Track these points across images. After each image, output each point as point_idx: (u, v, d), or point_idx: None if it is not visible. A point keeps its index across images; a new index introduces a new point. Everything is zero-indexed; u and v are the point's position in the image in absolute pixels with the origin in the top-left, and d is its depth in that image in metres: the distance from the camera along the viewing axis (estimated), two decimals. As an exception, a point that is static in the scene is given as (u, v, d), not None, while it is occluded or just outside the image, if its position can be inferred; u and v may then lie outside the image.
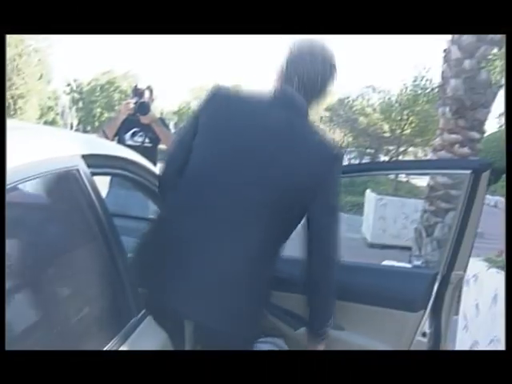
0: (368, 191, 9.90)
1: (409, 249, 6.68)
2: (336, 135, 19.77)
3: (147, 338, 1.61)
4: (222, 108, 1.73)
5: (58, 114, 29.71)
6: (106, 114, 31.60)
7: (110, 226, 1.51)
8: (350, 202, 12.09)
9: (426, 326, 2.05)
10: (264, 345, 2.28)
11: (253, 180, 1.63)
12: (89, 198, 1.42)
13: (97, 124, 30.77)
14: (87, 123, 31.14)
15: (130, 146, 3.49)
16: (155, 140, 4.23)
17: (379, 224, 8.75)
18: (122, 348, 1.41)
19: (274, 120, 1.66)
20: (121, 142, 4.08)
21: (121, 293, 1.57)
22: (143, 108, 4.02)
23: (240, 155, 1.65)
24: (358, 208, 10.92)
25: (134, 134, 4.22)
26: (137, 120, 4.12)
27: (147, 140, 4.20)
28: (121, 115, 4.07)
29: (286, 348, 2.26)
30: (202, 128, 1.72)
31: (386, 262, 2.64)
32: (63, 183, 1.38)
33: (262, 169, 1.63)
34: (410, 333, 2.06)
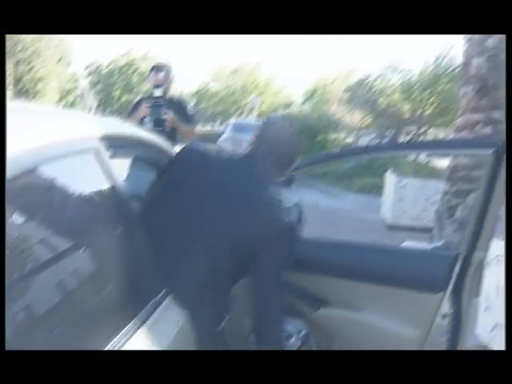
0: (388, 173, 9.81)
1: (429, 230, 6.63)
2: (355, 117, 19.61)
3: (167, 319, 1.62)
4: (193, 164, 1.89)
5: (77, 97, 29.86)
6: (124, 97, 31.70)
7: (129, 207, 1.51)
8: (369, 183, 12.01)
9: (446, 308, 2.03)
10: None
11: (207, 230, 1.75)
12: (107, 180, 1.42)
13: (116, 107, 30.88)
14: (106, 105, 31.26)
15: (150, 129, 3.51)
16: None
17: (399, 206, 8.68)
18: (141, 329, 1.42)
19: (236, 181, 1.82)
20: (141, 124, 4.10)
21: (140, 273, 1.58)
22: (158, 112, 4.07)
23: (199, 208, 1.78)
24: (378, 189, 10.85)
25: None
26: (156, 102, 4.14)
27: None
28: (137, 115, 4.11)
29: (304, 330, 2.26)
30: (171, 179, 1.88)
31: (406, 244, 2.62)
32: (82, 165, 1.38)
33: (217, 222, 1.75)
34: (429, 314, 2.05)
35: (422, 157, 12.74)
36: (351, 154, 3.08)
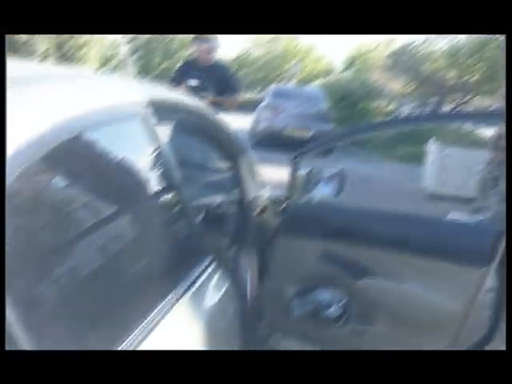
0: (430, 141, 9.61)
1: (471, 201, 6.51)
2: (397, 84, 19.14)
3: (213, 284, 1.66)
4: None
5: (118, 63, 29.99)
6: (165, 64, 31.73)
7: (175, 173, 1.53)
8: (410, 152, 11.79)
9: (491, 283, 2.00)
10: (322, 294, 2.29)
11: None
12: (153, 145, 1.45)
13: (156, 73, 30.93)
14: (147, 72, 31.32)
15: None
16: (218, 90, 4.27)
17: (441, 175, 8.52)
18: (188, 293, 1.45)
19: None
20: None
21: (186, 239, 1.61)
22: (197, 96, 4.13)
23: None
24: (420, 158, 10.65)
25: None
26: (198, 67, 4.16)
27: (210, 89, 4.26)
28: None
29: (344, 299, 2.26)
30: None
31: (451, 215, 2.56)
32: (128, 130, 1.40)
33: None
34: (473, 289, 2.02)
35: (466, 125, 12.41)
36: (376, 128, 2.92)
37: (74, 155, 1.14)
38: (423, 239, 2.14)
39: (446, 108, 16.85)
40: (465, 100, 15.53)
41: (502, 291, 1.98)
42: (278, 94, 13.69)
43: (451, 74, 16.07)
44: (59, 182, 1.10)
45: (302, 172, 2.41)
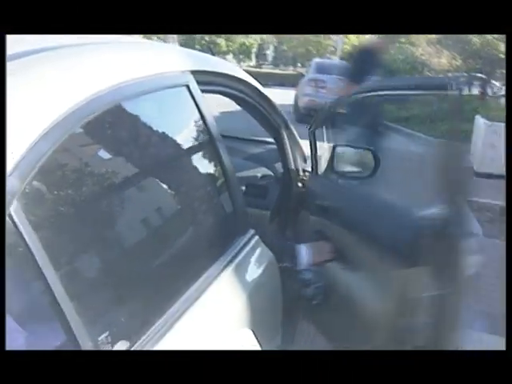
0: (477, 117, 9.32)
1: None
2: (444, 58, 18.65)
3: (255, 258, 1.65)
4: None
5: (158, 37, 30.17)
6: (206, 37, 31.70)
7: (219, 143, 1.51)
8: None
9: (425, 287, 1.50)
10: (307, 273, 2.15)
11: None
12: (198, 115, 1.43)
13: (197, 47, 30.98)
14: (188, 47, 31.41)
15: None
16: None
17: (488, 152, 8.26)
18: (231, 266, 1.44)
19: None
20: None
21: (229, 211, 1.60)
22: None
23: None
24: (466, 135, 10.36)
25: None
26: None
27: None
28: None
29: (320, 282, 2.10)
30: None
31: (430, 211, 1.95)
32: (173, 100, 1.39)
33: None
34: (397, 291, 1.68)
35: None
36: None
37: (117, 125, 1.13)
38: (365, 226, 1.88)
39: (494, 83, 16.31)
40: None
41: (441, 301, 1.46)
42: (321, 69, 13.50)
43: (502, 48, 15.51)
44: (102, 152, 1.10)
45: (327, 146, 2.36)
